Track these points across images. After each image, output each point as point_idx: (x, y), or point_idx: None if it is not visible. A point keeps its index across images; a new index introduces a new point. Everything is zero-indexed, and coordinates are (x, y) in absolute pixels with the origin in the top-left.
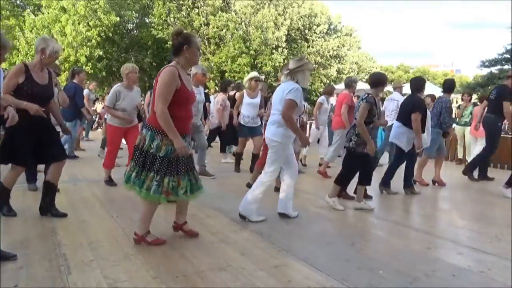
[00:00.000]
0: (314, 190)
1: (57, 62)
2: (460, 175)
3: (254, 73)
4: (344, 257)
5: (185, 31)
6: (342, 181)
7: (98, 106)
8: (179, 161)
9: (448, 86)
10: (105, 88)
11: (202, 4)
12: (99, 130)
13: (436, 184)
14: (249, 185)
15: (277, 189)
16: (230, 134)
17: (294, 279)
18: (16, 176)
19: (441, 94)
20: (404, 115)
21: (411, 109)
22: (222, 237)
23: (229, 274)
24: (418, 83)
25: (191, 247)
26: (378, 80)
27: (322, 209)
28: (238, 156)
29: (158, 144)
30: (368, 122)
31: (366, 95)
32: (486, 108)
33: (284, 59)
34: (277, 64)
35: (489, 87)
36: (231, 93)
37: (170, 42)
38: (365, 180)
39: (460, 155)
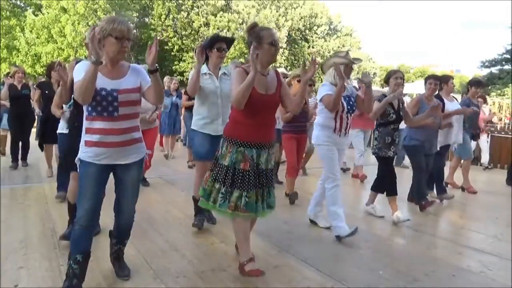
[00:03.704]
0: (314, 191)
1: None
2: (460, 176)
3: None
4: (344, 257)
5: (259, 25)
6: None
7: None
8: (248, 174)
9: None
10: None
11: (203, 3)
12: None
13: (465, 191)
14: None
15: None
16: None
17: (294, 279)
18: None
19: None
20: None
21: None
22: (223, 237)
23: (229, 274)
24: None
25: (191, 247)
26: None
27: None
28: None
29: (224, 151)
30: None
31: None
32: None
33: (284, 60)
34: (278, 65)
35: (489, 88)
36: None
37: (170, 43)
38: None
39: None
